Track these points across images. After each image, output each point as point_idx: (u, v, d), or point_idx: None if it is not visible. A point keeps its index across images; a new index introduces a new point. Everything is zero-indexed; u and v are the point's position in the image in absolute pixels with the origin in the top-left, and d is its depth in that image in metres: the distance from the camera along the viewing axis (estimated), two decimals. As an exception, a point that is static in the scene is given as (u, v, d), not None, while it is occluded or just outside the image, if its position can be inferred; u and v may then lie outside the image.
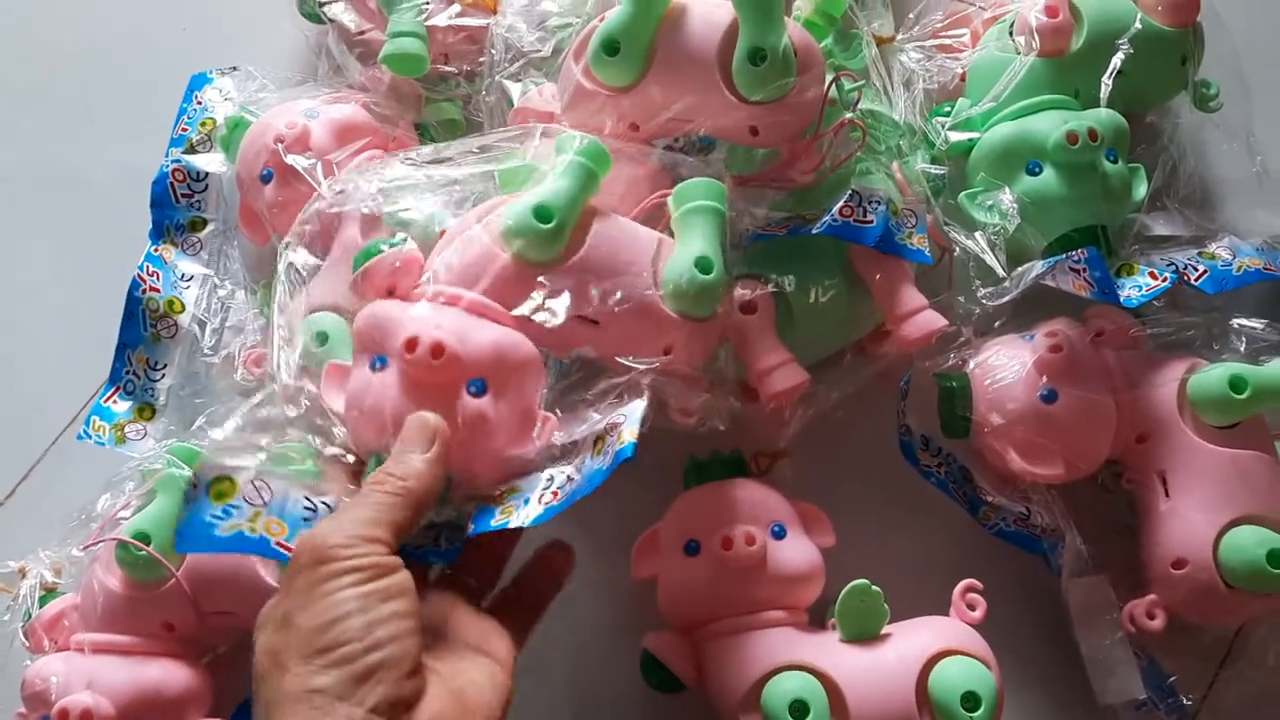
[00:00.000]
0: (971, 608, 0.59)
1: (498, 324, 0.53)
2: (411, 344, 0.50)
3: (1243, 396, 0.59)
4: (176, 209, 0.73)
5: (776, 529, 0.59)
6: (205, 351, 0.70)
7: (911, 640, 0.57)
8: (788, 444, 0.64)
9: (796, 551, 0.59)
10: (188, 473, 0.59)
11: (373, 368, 0.52)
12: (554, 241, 0.54)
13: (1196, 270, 0.64)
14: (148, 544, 0.58)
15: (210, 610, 0.59)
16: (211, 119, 0.74)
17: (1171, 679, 0.60)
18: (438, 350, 0.50)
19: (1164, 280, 0.61)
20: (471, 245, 0.55)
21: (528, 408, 0.53)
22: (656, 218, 0.59)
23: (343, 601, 0.43)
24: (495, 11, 0.67)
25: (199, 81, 0.76)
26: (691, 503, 0.61)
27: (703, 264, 0.55)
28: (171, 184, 0.73)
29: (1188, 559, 0.59)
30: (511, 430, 0.53)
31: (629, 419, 0.51)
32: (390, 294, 0.54)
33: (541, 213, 0.54)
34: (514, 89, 0.64)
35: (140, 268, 0.70)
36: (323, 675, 0.42)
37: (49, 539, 0.63)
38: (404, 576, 0.45)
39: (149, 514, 0.59)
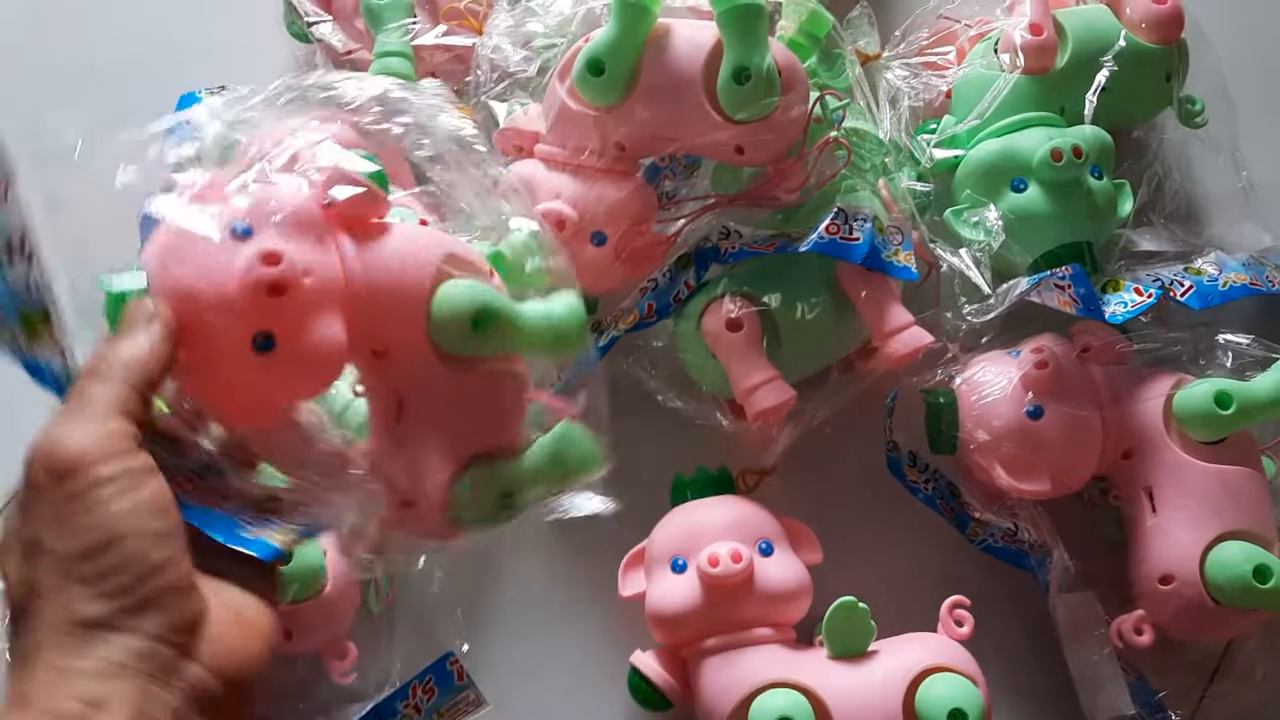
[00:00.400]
0: (959, 624, 0.59)
1: None
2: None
3: (1228, 412, 0.59)
4: None
5: (764, 546, 0.59)
6: None
7: (899, 657, 0.57)
8: (775, 461, 0.64)
9: (784, 569, 0.59)
10: None
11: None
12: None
13: (1182, 286, 0.64)
14: None
15: None
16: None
17: (1160, 695, 0.60)
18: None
19: (1149, 296, 0.62)
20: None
21: None
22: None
23: (108, 522, 0.38)
24: (480, 32, 0.67)
25: (187, 101, 0.75)
26: (678, 520, 0.61)
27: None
28: None
29: (1175, 575, 0.59)
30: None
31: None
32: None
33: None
34: (500, 109, 0.64)
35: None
36: (94, 604, 0.37)
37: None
38: (161, 482, 0.40)
39: None
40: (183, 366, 0.43)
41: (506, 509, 0.48)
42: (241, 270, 0.42)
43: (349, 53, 0.72)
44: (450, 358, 0.46)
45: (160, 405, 0.45)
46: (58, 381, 0.43)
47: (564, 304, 0.48)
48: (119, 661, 0.37)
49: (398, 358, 0.46)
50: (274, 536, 0.45)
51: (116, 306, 0.51)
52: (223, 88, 0.75)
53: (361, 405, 0.50)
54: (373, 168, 0.47)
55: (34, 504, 0.39)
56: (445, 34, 0.69)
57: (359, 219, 0.46)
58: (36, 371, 0.43)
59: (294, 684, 0.61)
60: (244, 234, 0.43)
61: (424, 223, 0.54)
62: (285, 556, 0.45)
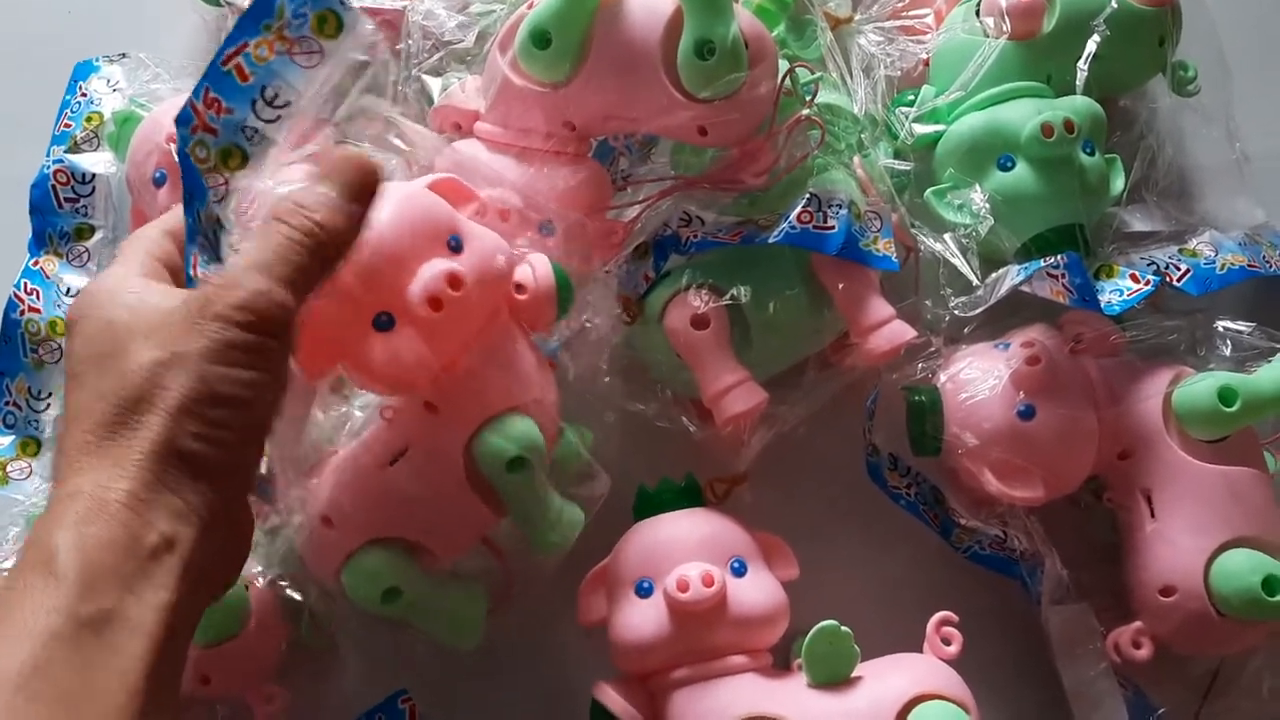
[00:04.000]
0: (947, 642, 0.55)
1: None
2: None
3: (1233, 409, 0.55)
4: (59, 215, 0.66)
5: (736, 565, 0.55)
6: None
7: (885, 684, 0.53)
8: (746, 468, 0.60)
9: (759, 590, 0.55)
10: None
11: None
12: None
13: (1179, 270, 0.61)
14: None
15: None
16: (98, 113, 0.68)
17: (1160, 711, 0.57)
18: None
19: (1146, 284, 0.58)
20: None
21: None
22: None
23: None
24: (412, -6, 0.61)
25: (84, 70, 0.69)
26: (642, 538, 0.56)
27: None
28: (53, 187, 0.66)
29: (1176, 586, 0.55)
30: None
31: None
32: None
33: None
34: (434, 84, 0.59)
35: (16, 286, 0.63)
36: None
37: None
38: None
39: None
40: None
41: (389, 602, 0.51)
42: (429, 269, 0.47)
43: None
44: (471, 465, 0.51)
45: None
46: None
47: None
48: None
49: (440, 426, 0.51)
50: None
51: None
52: (123, 55, 0.71)
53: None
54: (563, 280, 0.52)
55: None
56: (371, -5, 0.63)
57: (528, 316, 0.52)
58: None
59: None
60: (455, 247, 0.49)
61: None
62: None
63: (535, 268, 0.51)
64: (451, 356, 0.49)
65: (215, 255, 0.43)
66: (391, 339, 0.47)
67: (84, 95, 0.68)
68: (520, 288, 0.51)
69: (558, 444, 0.55)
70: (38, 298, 0.64)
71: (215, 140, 0.43)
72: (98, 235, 0.67)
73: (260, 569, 0.57)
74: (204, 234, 0.43)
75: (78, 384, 0.39)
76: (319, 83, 0.44)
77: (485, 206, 0.53)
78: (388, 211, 0.47)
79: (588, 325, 0.56)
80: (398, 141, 0.54)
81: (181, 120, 0.42)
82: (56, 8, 0.76)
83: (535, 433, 0.50)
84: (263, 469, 0.48)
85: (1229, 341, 0.60)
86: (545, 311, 0.52)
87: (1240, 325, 0.61)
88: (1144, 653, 0.57)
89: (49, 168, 0.66)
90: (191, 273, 0.43)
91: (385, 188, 0.45)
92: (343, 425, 0.55)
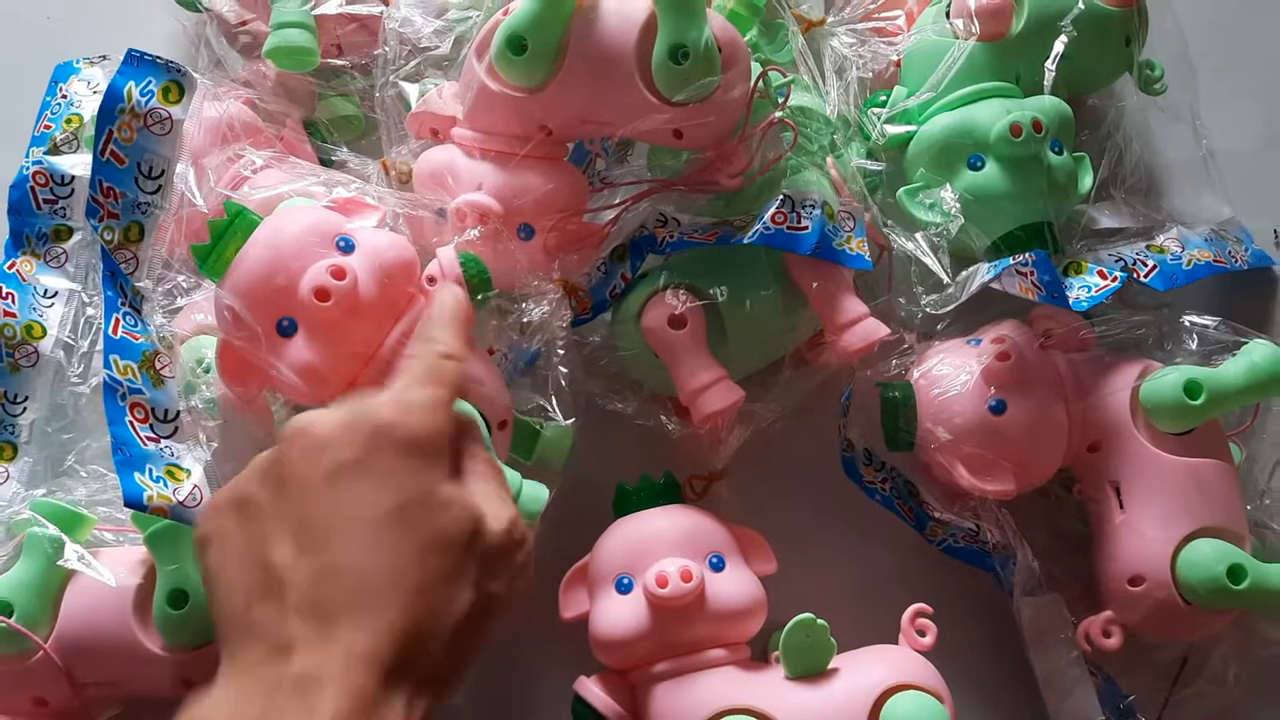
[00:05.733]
0: (922, 633, 0.56)
1: None
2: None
3: (1198, 402, 0.56)
4: (38, 216, 0.66)
5: (714, 560, 0.56)
6: (73, 380, 0.63)
7: (861, 675, 0.54)
8: (724, 465, 0.61)
9: (737, 584, 0.56)
10: (53, 531, 0.54)
11: None
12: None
13: (1146, 266, 0.62)
14: (10, 615, 0.52)
15: (87, 681, 0.54)
16: (78, 115, 0.67)
17: (1129, 698, 0.58)
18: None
19: (1113, 280, 0.59)
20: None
21: None
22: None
23: None
24: (388, 1, 0.61)
25: (64, 72, 0.69)
26: (622, 534, 0.57)
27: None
28: (32, 188, 0.66)
29: (1145, 575, 0.57)
30: None
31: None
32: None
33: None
34: (411, 90, 0.59)
35: None
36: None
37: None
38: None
39: (11, 580, 0.53)
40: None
41: None
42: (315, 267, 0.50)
43: (243, 23, 0.67)
44: None
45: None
46: None
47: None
48: None
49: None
50: (150, 487, 0.51)
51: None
52: (103, 57, 0.71)
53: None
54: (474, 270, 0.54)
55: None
56: (350, 1, 0.63)
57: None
58: None
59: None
60: (345, 248, 0.51)
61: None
62: (142, 505, 0.50)
63: (442, 260, 0.53)
64: (362, 350, 0.51)
65: (140, 321, 0.52)
66: (296, 340, 0.50)
67: (64, 97, 0.68)
68: (432, 280, 0.53)
69: (538, 436, 0.57)
70: (13, 301, 0.64)
71: (118, 223, 0.52)
72: (75, 236, 0.67)
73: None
74: (129, 303, 0.53)
75: None
76: (179, 142, 0.53)
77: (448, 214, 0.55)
78: (271, 225, 0.51)
79: (560, 329, 0.56)
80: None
81: (90, 213, 0.53)
82: (36, 11, 0.76)
83: (465, 408, 0.49)
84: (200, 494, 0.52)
85: (1195, 336, 0.61)
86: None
87: (1206, 320, 0.61)
88: (1114, 641, 0.58)
89: (28, 169, 0.66)
90: (111, 333, 0.51)
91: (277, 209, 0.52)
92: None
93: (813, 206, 0.57)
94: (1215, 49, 0.72)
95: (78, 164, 0.66)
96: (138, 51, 0.55)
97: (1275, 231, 0.70)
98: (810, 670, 0.54)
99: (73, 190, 0.67)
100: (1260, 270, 0.69)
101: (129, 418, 0.53)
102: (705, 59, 0.53)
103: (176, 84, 0.54)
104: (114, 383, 0.53)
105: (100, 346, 0.62)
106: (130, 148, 0.53)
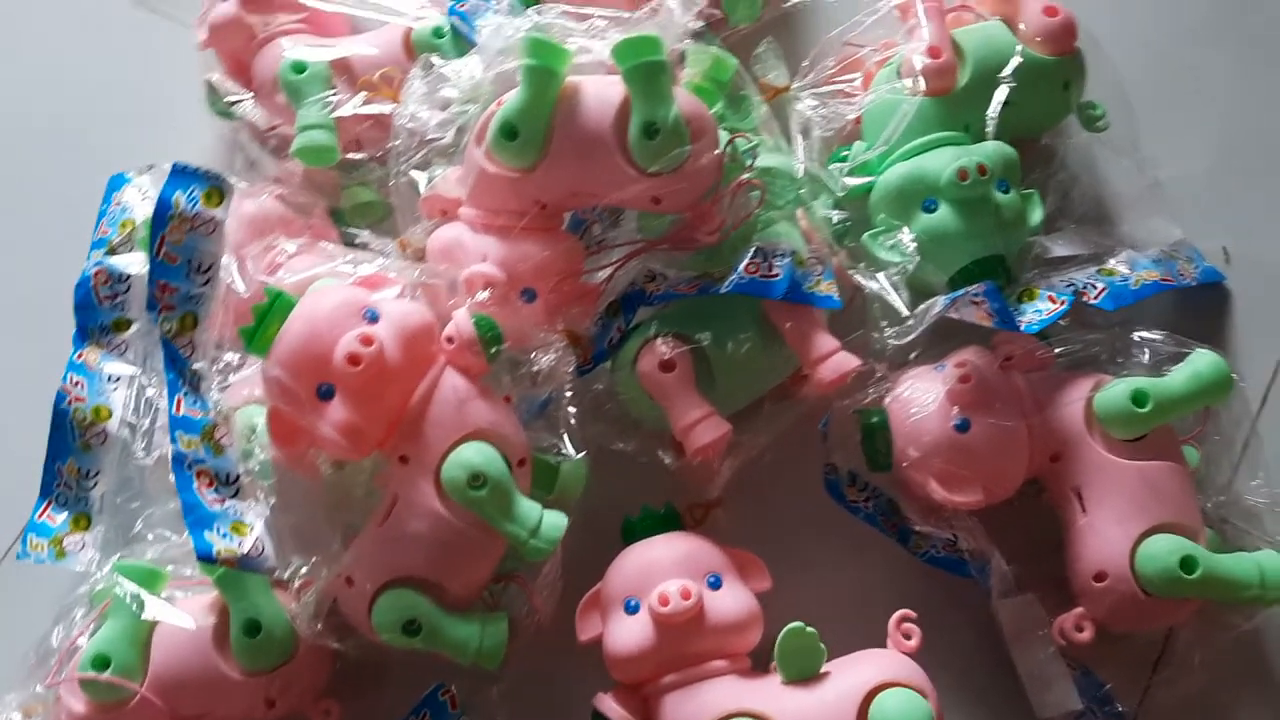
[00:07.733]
0: (907, 637, 0.60)
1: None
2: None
3: (1145, 410, 0.60)
4: (100, 310, 0.72)
5: (712, 580, 0.60)
6: (137, 455, 0.69)
7: (850, 676, 0.58)
8: (719, 493, 0.65)
9: (733, 600, 0.60)
10: (135, 588, 0.60)
11: None
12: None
13: (1095, 289, 0.66)
14: (107, 666, 0.58)
15: (186, 715, 0.60)
16: (131, 220, 0.73)
17: (1107, 687, 0.62)
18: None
19: (1062, 304, 0.63)
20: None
21: None
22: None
23: None
24: (398, 100, 0.69)
25: (117, 182, 0.75)
26: (628, 561, 0.62)
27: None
28: (94, 286, 0.71)
29: (1107, 571, 0.60)
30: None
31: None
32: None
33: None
34: (420, 177, 0.65)
35: (64, 379, 0.69)
36: None
37: (8, 680, 0.63)
38: None
39: (104, 636, 0.60)
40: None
41: (411, 635, 0.58)
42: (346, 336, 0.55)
43: (272, 128, 0.74)
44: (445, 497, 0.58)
45: None
46: None
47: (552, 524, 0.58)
48: None
49: (412, 472, 0.58)
50: (218, 542, 0.57)
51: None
52: (151, 167, 0.75)
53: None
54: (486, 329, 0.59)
55: None
56: (365, 102, 0.71)
57: (461, 362, 0.59)
58: None
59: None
60: (372, 319, 0.57)
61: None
62: (212, 559, 0.56)
63: (457, 322, 0.58)
64: (394, 407, 0.57)
65: (199, 399, 0.59)
66: (334, 403, 0.56)
67: (119, 204, 0.74)
68: (450, 340, 0.58)
69: (557, 471, 0.62)
70: (83, 388, 0.70)
71: (174, 314, 0.59)
72: (134, 327, 0.72)
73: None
74: (188, 384, 0.60)
75: None
76: (222, 239, 0.60)
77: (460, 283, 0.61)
78: (306, 304, 0.57)
79: (566, 374, 0.62)
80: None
81: (149, 307, 0.60)
82: (86, 122, 0.84)
83: (487, 451, 0.57)
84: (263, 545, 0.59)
85: (1146, 350, 0.65)
86: (472, 356, 0.58)
87: (1154, 334, 0.65)
88: (1086, 635, 0.61)
89: (90, 270, 0.71)
90: (174, 412, 0.58)
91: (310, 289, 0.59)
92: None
93: (783, 256, 0.63)
94: (1161, 82, 0.77)
95: (133, 263, 0.71)
96: (182, 164, 0.62)
97: (1224, 249, 0.73)
98: (804, 674, 0.58)
99: (130, 286, 0.72)
100: (1212, 285, 0.72)
101: (196, 484, 0.59)
102: (674, 133, 0.59)
103: (218, 189, 0.62)
104: (180, 455, 0.59)
105: (160, 423, 0.69)
106: (181, 248, 0.61)
